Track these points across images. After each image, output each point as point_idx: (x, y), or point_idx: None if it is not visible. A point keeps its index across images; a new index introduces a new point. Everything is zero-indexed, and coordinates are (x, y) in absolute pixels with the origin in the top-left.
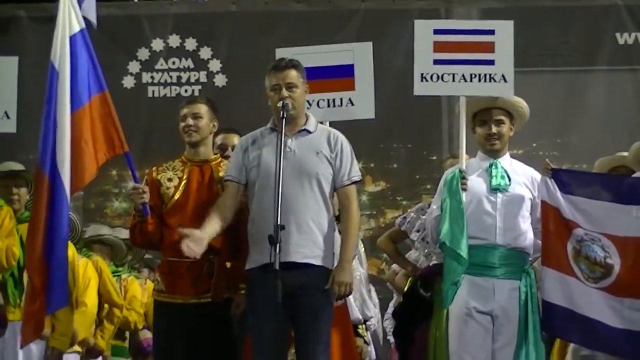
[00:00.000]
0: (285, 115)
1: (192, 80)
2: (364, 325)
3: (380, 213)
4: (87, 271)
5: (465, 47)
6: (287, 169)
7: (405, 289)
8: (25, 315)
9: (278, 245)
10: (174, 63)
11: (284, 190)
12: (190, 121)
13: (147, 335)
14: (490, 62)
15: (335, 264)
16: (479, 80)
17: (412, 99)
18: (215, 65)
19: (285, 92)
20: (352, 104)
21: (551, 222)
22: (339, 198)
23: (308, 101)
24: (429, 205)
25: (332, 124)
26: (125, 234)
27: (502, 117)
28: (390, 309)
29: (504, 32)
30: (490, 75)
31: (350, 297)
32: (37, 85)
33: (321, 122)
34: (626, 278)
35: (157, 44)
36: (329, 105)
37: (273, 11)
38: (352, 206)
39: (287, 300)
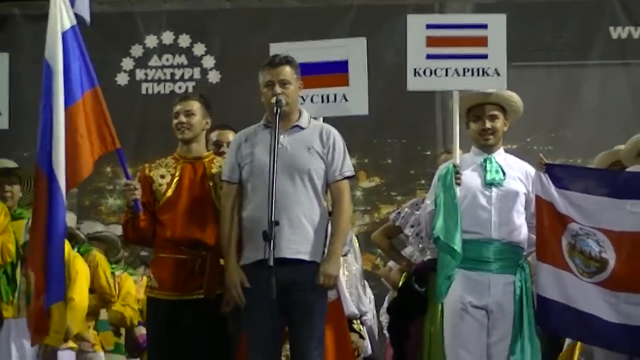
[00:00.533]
0: (278, 112)
1: (186, 76)
2: (359, 320)
3: (375, 208)
4: (75, 265)
5: (458, 41)
6: (279, 166)
7: (400, 284)
8: (33, 315)
9: (272, 241)
10: (167, 60)
11: (277, 186)
12: (183, 118)
13: (142, 331)
14: (483, 57)
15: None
16: (472, 75)
17: (406, 94)
18: (209, 61)
19: (278, 89)
20: (346, 100)
21: (546, 217)
22: (331, 193)
23: (302, 97)
24: (423, 200)
25: (326, 120)
26: (120, 230)
27: (496, 112)
28: (386, 304)
29: (496, 26)
30: (483, 69)
31: (346, 291)
32: (31, 82)
33: (315, 118)
34: (621, 272)
35: (151, 41)
36: (322, 101)
37: (266, 8)
38: (343, 201)
39: (280, 296)
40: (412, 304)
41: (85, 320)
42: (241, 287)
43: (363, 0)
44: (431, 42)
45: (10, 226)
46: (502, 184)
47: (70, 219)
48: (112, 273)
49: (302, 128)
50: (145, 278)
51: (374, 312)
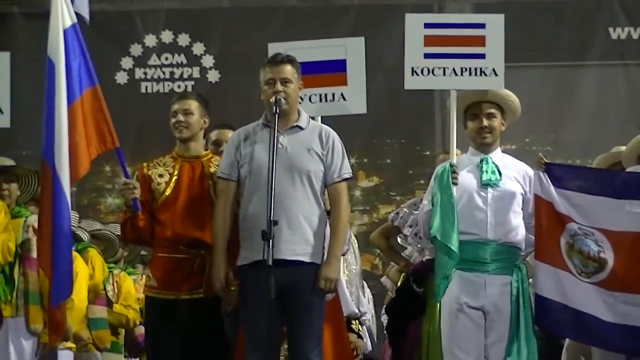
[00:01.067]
0: (277, 111)
1: (185, 76)
2: (357, 321)
3: (374, 208)
4: (76, 266)
5: (456, 41)
6: (279, 166)
7: (398, 284)
8: (48, 317)
9: (271, 241)
10: (166, 59)
11: (276, 186)
12: (181, 117)
13: (142, 330)
14: (481, 56)
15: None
16: (470, 74)
17: (405, 94)
18: (208, 61)
19: (279, 87)
20: (344, 99)
21: (544, 217)
22: (330, 195)
23: (300, 96)
24: (422, 200)
25: (324, 119)
26: (118, 230)
27: (493, 111)
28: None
29: (494, 25)
30: (481, 69)
31: (346, 291)
32: (30, 80)
33: (313, 117)
34: (620, 272)
35: (150, 40)
36: (321, 100)
37: (266, 7)
38: (342, 203)
39: (278, 296)
40: (411, 304)
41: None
42: (228, 285)
43: (362, 0)
44: (429, 41)
45: (10, 225)
46: (498, 185)
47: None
48: (110, 272)
49: (301, 128)
50: (144, 277)
51: (373, 312)
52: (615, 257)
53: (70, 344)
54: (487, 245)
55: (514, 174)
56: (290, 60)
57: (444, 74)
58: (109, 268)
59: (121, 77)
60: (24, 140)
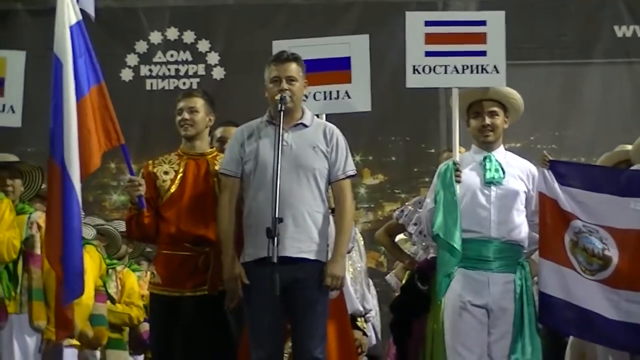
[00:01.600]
0: (283, 108)
1: (190, 73)
2: (362, 318)
3: (378, 206)
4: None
5: (457, 38)
6: (284, 163)
7: (403, 282)
8: (55, 312)
9: (276, 238)
10: (172, 56)
11: (281, 184)
12: (186, 115)
13: (146, 328)
14: (482, 53)
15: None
16: (471, 72)
17: (410, 91)
18: (213, 58)
19: (285, 85)
20: (349, 97)
21: (549, 214)
22: (334, 192)
23: (305, 94)
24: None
25: (329, 117)
26: (123, 226)
27: (496, 109)
28: None
29: (495, 22)
30: (482, 66)
31: (351, 288)
32: (35, 78)
33: (317, 115)
34: (624, 270)
35: (155, 37)
36: (325, 98)
37: (270, 4)
38: (346, 200)
39: (282, 293)
40: (415, 302)
41: None
42: (241, 282)
43: None
44: (430, 39)
45: (16, 222)
46: (502, 183)
47: None
48: (113, 268)
49: (305, 126)
50: (149, 274)
51: (377, 309)
52: (620, 254)
53: (74, 342)
54: (490, 243)
55: (517, 171)
56: (295, 58)
57: (446, 72)
58: (112, 265)
59: (126, 74)
60: (28, 137)
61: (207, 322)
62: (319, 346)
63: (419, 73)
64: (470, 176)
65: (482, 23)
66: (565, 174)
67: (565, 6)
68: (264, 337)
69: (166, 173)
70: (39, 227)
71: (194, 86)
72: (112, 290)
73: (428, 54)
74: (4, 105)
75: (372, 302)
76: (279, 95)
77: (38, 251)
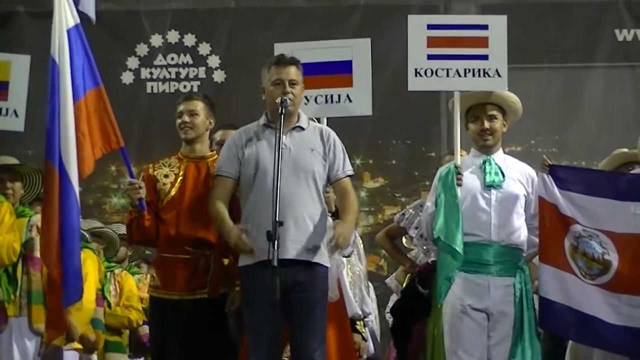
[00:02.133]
0: (283, 112)
1: (191, 76)
2: (362, 322)
3: (379, 209)
4: (86, 266)
5: (459, 42)
6: (284, 166)
7: (404, 285)
8: (49, 312)
9: (276, 241)
10: (172, 59)
11: (281, 187)
12: (186, 118)
13: (146, 330)
14: (484, 57)
15: (329, 259)
16: (473, 76)
17: (411, 94)
18: (214, 61)
19: (288, 88)
20: (350, 101)
21: (548, 219)
22: (337, 190)
23: (306, 97)
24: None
25: (330, 120)
26: (123, 229)
27: (495, 113)
28: (391, 304)
29: (497, 26)
30: (484, 70)
31: (350, 292)
32: (35, 80)
33: (318, 119)
34: (624, 274)
35: (156, 40)
36: (326, 102)
37: (272, 7)
38: (350, 194)
39: (282, 296)
40: (416, 305)
41: None
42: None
43: (369, 1)
44: (432, 42)
45: (16, 225)
46: (502, 186)
47: None
48: (112, 271)
49: (302, 129)
50: (149, 276)
51: (377, 313)
52: (620, 259)
53: (77, 345)
54: (491, 247)
55: (517, 175)
56: (296, 61)
57: (447, 75)
58: (110, 267)
59: (127, 77)
60: (29, 139)
61: (207, 325)
62: (318, 349)
63: (420, 76)
64: (470, 180)
65: (484, 27)
66: (565, 178)
67: (566, 10)
68: (263, 341)
69: (166, 176)
70: (39, 230)
71: (195, 89)
72: (111, 293)
73: (430, 57)
74: (7, 109)
75: (372, 306)
76: (280, 98)
77: (38, 254)
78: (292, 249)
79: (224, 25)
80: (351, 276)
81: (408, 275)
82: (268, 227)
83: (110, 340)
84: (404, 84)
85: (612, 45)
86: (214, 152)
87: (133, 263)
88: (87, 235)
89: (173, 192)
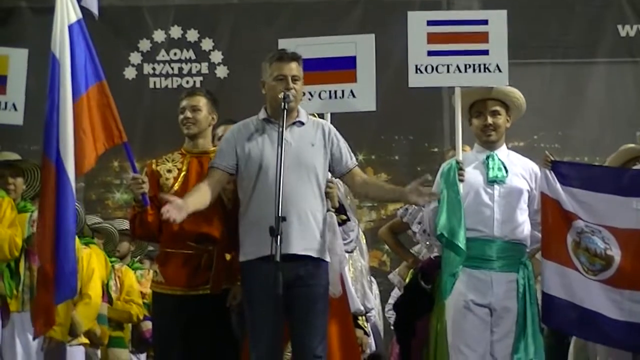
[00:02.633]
0: (286, 107)
1: (194, 71)
2: (364, 317)
3: (382, 205)
4: (91, 262)
5: (459, 37)
6: (286, 161)
7: (407, 281)
8: (37, 306)
9: (279, 237)
10: (175, 54)
11: (284, 181)
12: (189, 114)
13: (149, 326)
14: (485, 52)
15: (329, 256)
16: (474, 71)
17: (414, 90)
18: (216, 56)
19: (291, 84)
20: (354, 96)
21: (551, 214)
22: (353, 178)
23: (310, 92)
24: None
25: (332, 116)
26: (126, 225)
27: (498, 108)
28: (392, 300)
29: (497, 21)
30: (484, 65)
31: (352, 288)
32: (38, 76)
33: (322, 114)
34: (626, 270)
35: (159, 35)
36: (330, 97)
37: (274, 2)
38: (367, 177)
39: (284, 291)
40: (419, 301)
41: None
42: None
43: None
44: (432, 38)
45: (17, 220)
46: (505, 182)
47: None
48: (112, 266)
49: (302, 123)
50: (151, 272)
51: (380, 308)
52: (622, 254)
53: (83, 340)
54: (494, 243)
55: (520, 170)
56: (297, 57)
57: (448, 71)
58: (111, 263)
59: (130, 73)
60: (31, 135)
61: (210, 320)
62: (320, 344)
63: (421, 72)
64: (473, 175)
65: (484, 22)
66: (567, 174)
67: (569, 5)
68: (265, 336)
69: (169, 171)
70: None
71: (197, 84)
72: (111, 288)
73: (430, 53)
74: (6, 103)
75: (375, 302)
76: (283, 93)
77: None
78: (296, 244)
79: (226, 21)
80: (353, 271)
81: (411, 270)
82: (271, 222)
83: (112, 336)
84: (406, 79)
85: (615, 40)
86: (217, 146)
87: (136, 259)
88: (88, 231)
89: (176, 187)
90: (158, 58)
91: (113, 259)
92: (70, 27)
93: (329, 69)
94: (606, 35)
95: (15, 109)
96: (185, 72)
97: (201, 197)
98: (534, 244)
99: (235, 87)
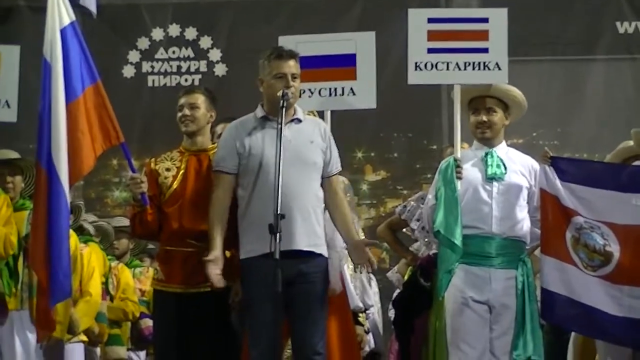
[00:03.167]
0: (285, 105)
1: (192, 69)
2: (364, 314)
3: (381, 202)
4: (92, 260)
5: (459, 35)
6: (286, 158)
7: (405, 278)
8: (37, 311)
9: (278, 234)
10: (174, 52)
11: (285, 178)
12: (187, 111)
13: (148, 323)
14: (484, 50)
15: (329, 253)
16: (473, 69)
17: (413, 87)
18: (215, 54)
19: (291, 82)
20: (354, 94)
21: (550, 211)
22: (327, 185)
23: (310, 90)
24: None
25: (333, 113)
26: (124, 222)
27: (494, 106)
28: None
29: (497, 19)
30: (484, 63)
31: (351, 285)
32: (36, 74)
33: (322, 112)
34: (626, 266)
35: (157, 34)
36: (330, 95)
37: (273, 0)
38: (339, 192)
39: (285, 287)
40: (418, 298)
41: None
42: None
43: None
44: (432, 36)
45: (13, 218)
46: (504, 178)
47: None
48: (109, 264)
49: (300, 121)
50: (151, 270)
51: (379, 306)
52: (621, 250)
53: (82, 337)
54: (492, 240)
55: (519, 167)
56: (295, 54)
57: (448, 69)
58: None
59: (128, 71)
60: (30, 133)
61: (210, 318)
62: (321, 340)
63: (421, 70)
64: (471, 172)
65: (485, 20)
66: (567, 170)
67: (567, 2)
68: (265, 334)
69: (168, 170)
70: None
71: (196, 83)
72: (110, 287)
73: (430, 50)
74: None
75: (374, 299)
76: (282, 91)
77: None
78: (300, 240)
79: (225, 19)
80: (352, 268)
81: (410, 267)
82: (272, 219)
83: (110, 333)
84: (405, 77)
85: (613, 37)
86: (215, 144)
87: (134, 256)
88: (91, 229)
89: (175, 186)
90: (157, 56)
91: (109, 257)
92: (63, 30)
93: (328, 67)
94: (605, 32)
95: (9, 106)
96: (183, 70)
97: (223, 220)
98: (534, 241)
99: (234, 85)
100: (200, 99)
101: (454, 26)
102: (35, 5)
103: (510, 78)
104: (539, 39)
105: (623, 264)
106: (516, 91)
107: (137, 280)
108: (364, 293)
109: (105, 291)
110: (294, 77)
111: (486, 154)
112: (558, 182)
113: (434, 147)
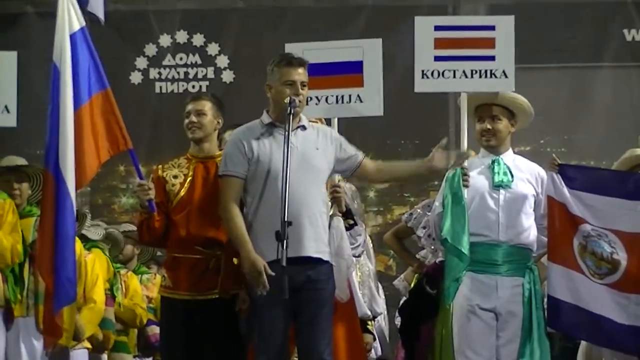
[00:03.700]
0: (292, 112)
1: (200, 76)
2: (372, 322)
3: (388, 209)
4: (95, 267)
5: (466, 43)
6: (293, 164)
7: (412, 285)
8: (44, 319)
9: (285, 241)
10: (181, 59)
11: (294, 185)
12: (194, 118)
13: (155, 330)
14: (491, 58)
15: (336, 260)
16: (480, 77)
17: (420, 94)
18: (222, 61)
19: (300, 90)
20: (361, 101)
21: (557, 218)
22: (365, 169)
23: (317, 97)
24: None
25: (340, 120)
26: (131, 228)
27: (499, 114)
28: None
29: (504, 27)
30: (491, 71)
31: (359, 293)
32: (44, 80)
33: (328, 119)
34: (633, 274)
35: (165, 40)
36: (337, 102)
37: (280, 7)
38: (374, 163)
39: (292, 294)
40: (424, 305)
41: None
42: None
43: (377, 1)
44: (439, 44)
45: (19, 224)
46: (510, 186)
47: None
48: (117, 271)
49: (305, 128)
50: (158, 277)
51: (386, 313)
52: (629, 258)
53: (86, 344)
54: (499, 247)
55: (526, 175)
56: (305, 62)
57: (454, 77)
58: (117, 269)
59: (135, 77)
60: (37, 139)
61: (218, 325)
62: (327, 347)
63: (427, 77)
64: (478, 180)
65: (491, 28)
66: (574, 177)
67: (575, 10)
68: (272, 340)
69: (175, 177)
70: None
71: (203, 89)
72: (119, 293)
73: (437, 58)
74: None
75: (382, 306)
76: (289, 98)
77: None
78: (309, 246)
79: (232, 26)
80: (360, 276)
81: (416, 275)
82: (279, 226)
83: (116, 340)
84: (412, 84)
85: (621, 45)
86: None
87: (142, 263)
88: (102, 231)
89: (182, 193)
90: (164, 63)
91: (118, 265)
92: (73, 36)
93: (335, 74)
94: (612, 39)
95: (8, 111)
96: (191, 76)
97: (244, 224)
98: (541, 248)
99: (241, 92)
100: (207, 106)
101: (461, 34)
102: (42, 11)
103: (517, 85)
104: (546, 47)
105: (630, 272)
106: (522, 99)
107: (145, 287)
108: (373, 300)
109: (110, 297)
110: (302, 84)
111: (493, 162)
112: (565, 189)
113: None
